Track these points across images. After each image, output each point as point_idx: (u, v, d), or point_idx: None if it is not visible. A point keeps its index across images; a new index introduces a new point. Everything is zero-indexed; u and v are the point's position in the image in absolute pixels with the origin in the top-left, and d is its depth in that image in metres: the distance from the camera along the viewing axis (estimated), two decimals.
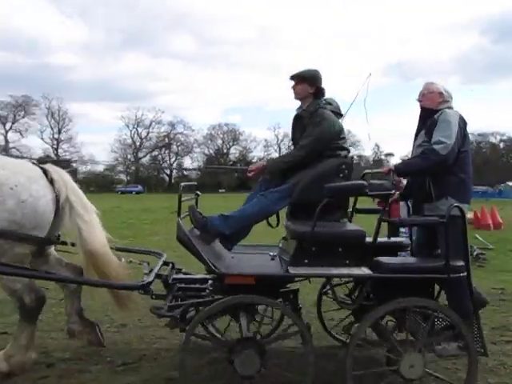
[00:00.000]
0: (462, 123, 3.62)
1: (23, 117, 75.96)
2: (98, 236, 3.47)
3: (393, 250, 3.64)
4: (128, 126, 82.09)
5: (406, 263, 3.31)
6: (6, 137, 75.71)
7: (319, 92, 3.76)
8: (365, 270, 3.08)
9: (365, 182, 3.35)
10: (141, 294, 3.35)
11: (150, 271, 3.48)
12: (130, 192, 64.75)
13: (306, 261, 3.12)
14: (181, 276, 3.76)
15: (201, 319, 3.08)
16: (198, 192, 3.82)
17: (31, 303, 3.29)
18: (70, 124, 78.35)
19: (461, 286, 3.25)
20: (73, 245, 3.61)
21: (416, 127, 3.93)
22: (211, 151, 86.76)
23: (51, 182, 3.41)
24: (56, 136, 78.86)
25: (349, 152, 3.73)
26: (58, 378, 3.41)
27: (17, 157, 3.15)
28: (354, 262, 3.13)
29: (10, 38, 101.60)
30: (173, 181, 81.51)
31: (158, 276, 3.49)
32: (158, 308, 3.23)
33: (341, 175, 3.48)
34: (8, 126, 75.92)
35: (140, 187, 70.05)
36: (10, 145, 74.13)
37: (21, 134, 76.56)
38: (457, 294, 3.33)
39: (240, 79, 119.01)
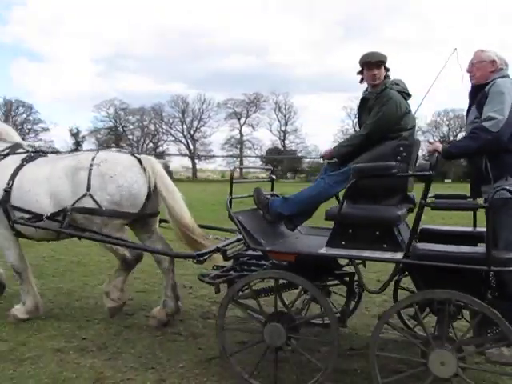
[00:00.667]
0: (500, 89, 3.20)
1: (254, 112, 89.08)
2: (186, 213, 4.34)
3: (473, 239, 3.38)
4: (350, 116, 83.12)
5: (439, 250, 2.94)
6: (240, 131, 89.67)
7: (387, 74, 3.73)
8: (398, 255, 2.95)
9: (393, 163, 3.16)
10: None
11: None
12: None
13: (343, 242, 3.12)
14: (247, 252, 3.84)
15: (237, 288, 3.33)
16: (273, 176, 4.22)
17: (131, 259, 4.38)
18: (295, 116, 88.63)
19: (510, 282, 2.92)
20: (165, 221, 4.63)
21: (468, 102, 3.58)
22: (435, 139, 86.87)
23: (144, 170, 4.33)
24: (283, 128, 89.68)
25: (413, 131, 3.60)
26: None
27: (119, 150, 3.85)
28: (392, 247, 3.01)
29: (244, 43, 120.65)
30: None
31: (217, 249, 3.81)
32: (203, 275, 3.61)
33: (398, 157, 3.32)
34: (242, 120, 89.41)
35: None
36: (244, 138, 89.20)
37: (253, 128, 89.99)
38: (506, 291, 3.01)
39: None
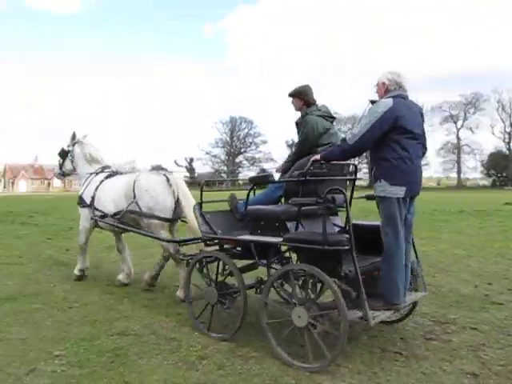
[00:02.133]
0: (393, 111, 3.74)
1: (473, 113, 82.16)
2: (193, 218, 5.21)
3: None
4: None
5: (297, 234, 3.95)
6: (457, 135, 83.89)
7: (309, 102, 4.79)
8: (276, 239, 4.05)
9: (270, 173, 4.84)
10: None
11: None
12: None
13: (259, 231, 4.31)
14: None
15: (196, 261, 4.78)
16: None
17: (174, 253, 5.82)
18: None
19: (334, 258, 3.69)
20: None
21: None
22: None
23: (170, 186, 5.92)
24: (508, 129, 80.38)
25: (331, 145, 4.46)
26: None
27: (158, 172, 6.36)
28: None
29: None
30: None
31: (198, 238, 5.25)
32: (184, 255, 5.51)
33: (311, 168, 3.98)
34: (459, 124, 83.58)
35: None
36: (462, 142, 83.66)
37: (471, 131, 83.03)
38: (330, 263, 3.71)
39: None
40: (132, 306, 5.56)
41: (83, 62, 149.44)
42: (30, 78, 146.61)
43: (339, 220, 4.65)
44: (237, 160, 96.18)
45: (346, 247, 3.59)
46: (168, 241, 5.87)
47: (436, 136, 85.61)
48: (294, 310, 3.79)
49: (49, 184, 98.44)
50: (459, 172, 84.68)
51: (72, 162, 7.21)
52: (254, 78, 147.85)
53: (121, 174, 6.78)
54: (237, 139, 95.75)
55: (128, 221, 6.16)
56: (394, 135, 3.79)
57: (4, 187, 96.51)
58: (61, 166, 7.42)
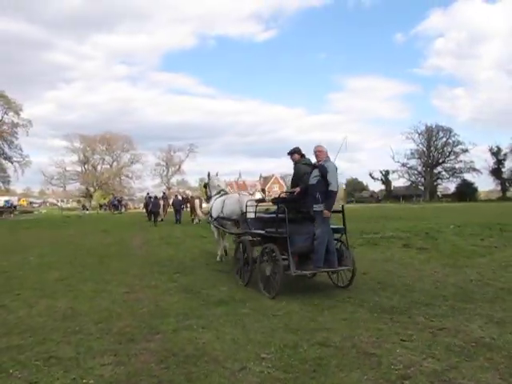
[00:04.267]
0: (327, 168, 7.08)
1: None
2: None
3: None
4: None
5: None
6: None
7: (300, 157, 8.09)
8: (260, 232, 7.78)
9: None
10: None
11: None
12: None
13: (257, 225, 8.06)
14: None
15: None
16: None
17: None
18: None
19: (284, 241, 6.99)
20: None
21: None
22: None
23: (239, 201, 9.79)
24: None
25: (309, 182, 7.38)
26: None
27: (238, 193, 11.43)
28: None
29: None
30: None
31: None
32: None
33: (295, 193, 7.79)
34: None
35: None
36: None
37: None
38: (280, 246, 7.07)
39: None
40: (332, 317, 5.67)
41: None
42: None
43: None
44: (435, 171, 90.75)
45: (285, 235, 6.93)
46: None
47: None
48: (266, 267, 7.19)
49: None
50: None
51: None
52: None
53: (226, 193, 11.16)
54: (434, 149, 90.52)
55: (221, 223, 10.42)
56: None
57: None
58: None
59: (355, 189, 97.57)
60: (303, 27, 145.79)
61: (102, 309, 6.36)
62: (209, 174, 11.78)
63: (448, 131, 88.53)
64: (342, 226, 7.58)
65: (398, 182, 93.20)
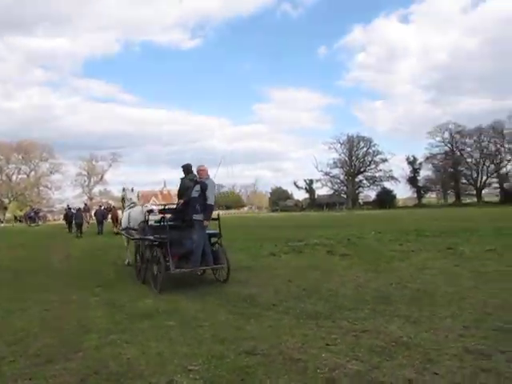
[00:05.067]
0: (207, 185, 8.49)
1: None
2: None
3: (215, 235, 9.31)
4: None
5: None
6: None
7: (186, 172, 9.46)
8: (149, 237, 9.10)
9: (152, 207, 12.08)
10: None
11: None
12: None
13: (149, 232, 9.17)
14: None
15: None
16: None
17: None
18: None
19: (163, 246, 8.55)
20: None
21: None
22: None
23: (142, 212, 10.50)
24: None
25: (191, 195, 8.61)
26: None
27: (142, 205, 12.44)
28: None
29: None
30: None
31: None
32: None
33: (178, 204, 9.17)
34: None
35: None
36: None
37: None
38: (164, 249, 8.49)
39: None
40: (258, 326, 5.69)
41: None
42: None
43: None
44: (357, 179, 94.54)
45: (166, 241, 8.41)
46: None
47: None
48: (154, 267, 8.52)
49: None
50: None
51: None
52: None
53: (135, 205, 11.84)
54: (355, 158, 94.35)
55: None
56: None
57: None
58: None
59: (280, 198, 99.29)
60: (229, 37, 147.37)
61: (17, 329, 5.95)
62: (124, 189, 12.81)
63: (368, 141, 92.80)
64: (217, 231, 9.08)
65: (322, 190, 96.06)
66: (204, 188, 8.35)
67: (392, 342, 4.85)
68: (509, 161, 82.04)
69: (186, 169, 9.41)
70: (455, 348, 4.59)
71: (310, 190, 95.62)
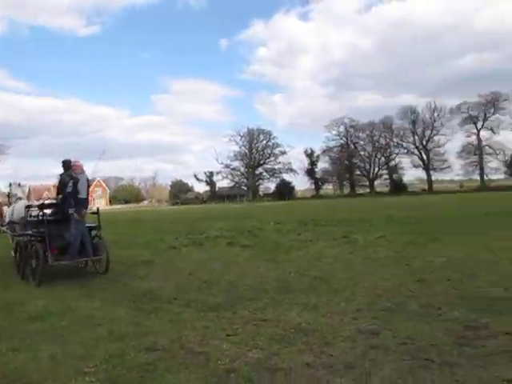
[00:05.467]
0: (79, 180, 8.93)
1: (493, 113, 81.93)
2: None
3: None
4: None
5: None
6: (478, 136, 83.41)
7: (65, 168, 9.49)
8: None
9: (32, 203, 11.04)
10: None
11: None
12: None
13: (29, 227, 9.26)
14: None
15: None
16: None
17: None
18: None
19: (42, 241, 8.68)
20: None
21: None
22: None
23: (24, 205, 10.05)
24: None
25: (71, 189, 8.91)
26: None
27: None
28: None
29: (474, 40, 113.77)
30: None
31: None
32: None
33: (59, 199, 9.45)
34: (479, 125, 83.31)
35: None
36: (483, 143, 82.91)
37: (492, 131, 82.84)
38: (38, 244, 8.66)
39: None
40: (159, 320, 5.58)
41: None
42: None
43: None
44: (257, 172, 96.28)
45: (45, 235, 8.61)
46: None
47: (456, 138, 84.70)
48: (32, 261, 8.58)
49: None
50: (482, 173, 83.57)
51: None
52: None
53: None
54: (256, 151, 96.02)
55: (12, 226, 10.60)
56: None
57: None
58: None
59: (180, 190, 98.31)
60: (128, 25, 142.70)
61: None
62: (10, 184, 12.46)
63: (268, 134, 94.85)
64: (97, 224, 9.45)
65: (223, 182, 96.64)
66: (76, 183, 8.83)
67: (291, 328, 4.99)
68: (397, 154, 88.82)
69: (65, 164, 9.58)
70: (349, 330, 4.84)
71: (210, 182, 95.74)
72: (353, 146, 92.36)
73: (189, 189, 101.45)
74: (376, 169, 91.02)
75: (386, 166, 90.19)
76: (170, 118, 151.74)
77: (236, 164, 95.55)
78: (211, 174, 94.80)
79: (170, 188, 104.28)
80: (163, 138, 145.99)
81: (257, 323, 5.27)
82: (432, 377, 3.63)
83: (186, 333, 5.03)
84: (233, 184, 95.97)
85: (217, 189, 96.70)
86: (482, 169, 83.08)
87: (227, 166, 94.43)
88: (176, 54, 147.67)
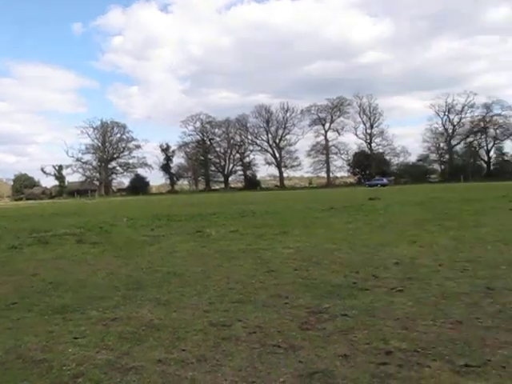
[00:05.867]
0: None
1: (339, 116, 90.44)
2: None
3: None
4: (438, 114, 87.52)
5: None
6: (325, 136, 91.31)
7: None
8: None
9: None
10: None
11: None
12: (376, 185, 66.53)
13: None
14: None
15: None
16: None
17: None
18: (380, 118, 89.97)
19: None
20: None
21: None
22: None
23: None
24: (368, 131, 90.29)
25: None
26: (397, 366, 3.62)
27: None
28: None
29: (323, 48, 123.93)
30: (491, 167, 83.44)
31: None
32: None
33: None
34: (327, 126, 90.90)
35: (385, 180, 73.05)
36: (330, 143, 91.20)
37: (338, 133, 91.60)
38: None
39: None
40: None
41: None
42: None
43: None
44: (110, 166, 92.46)
45: None
46: None
47: (306, 138, 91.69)
48: None
49: None
50: (328, 171, 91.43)
51: None
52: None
53: None
54: (109, 144, 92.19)
55: None
56: None
57: None
58: None
59: (25, 185, 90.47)
60: None
61: None
62: None
63: (123, 127, 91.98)
64: None
65: (73, 177, 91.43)
66: None
67: (143, 326, 4.88)
68: (251, 151, 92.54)
69: None
70: (201, 323, 4.89)
71: (59, 176, 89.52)
72: (209, 142, 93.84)
73: (35, 183, 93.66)
74: (231, 165, 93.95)
75: (240, 163, 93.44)
76: (13, 105, 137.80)
77: (88, 157, 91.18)
78: (60, 167, 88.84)
79: (12, 182, 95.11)
80: (3, 125, 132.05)
81: (106, 323, 5.05)
82: (279, 361, 3.83)
83: (27, 340, 4.60)
84: (84, 178, 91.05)
85: (66, 183, 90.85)
86: (328, 166, 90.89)
87: (78, 160, 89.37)
88: (21, 32, 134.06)
